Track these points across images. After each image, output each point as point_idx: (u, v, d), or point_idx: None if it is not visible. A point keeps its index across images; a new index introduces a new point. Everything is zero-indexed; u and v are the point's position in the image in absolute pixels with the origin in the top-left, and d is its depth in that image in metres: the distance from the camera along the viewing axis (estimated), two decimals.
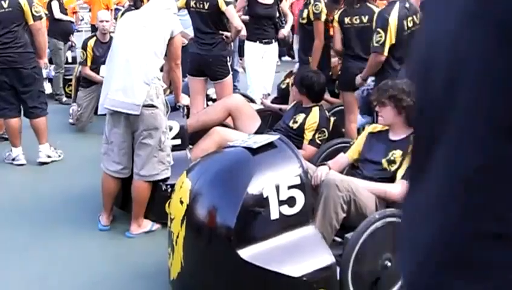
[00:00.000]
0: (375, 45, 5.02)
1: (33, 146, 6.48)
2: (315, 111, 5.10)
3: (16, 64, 6.18)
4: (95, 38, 7.88)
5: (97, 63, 7.67)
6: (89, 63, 7.69)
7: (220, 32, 5.69)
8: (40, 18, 6.25)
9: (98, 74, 7.64)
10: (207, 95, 6.09)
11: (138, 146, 4.46)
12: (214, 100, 6.22)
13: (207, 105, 6.09)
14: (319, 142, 5.00)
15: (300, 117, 5.10)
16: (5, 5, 6.10)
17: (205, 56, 5.68)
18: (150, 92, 4.37)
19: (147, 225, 4.65)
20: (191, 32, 6.07)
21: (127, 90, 4.35)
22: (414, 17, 5.07)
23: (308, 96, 5.18)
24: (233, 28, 5.68)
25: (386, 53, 5.00)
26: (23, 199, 5.46)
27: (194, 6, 5.66)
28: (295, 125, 5.10)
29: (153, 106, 4.38)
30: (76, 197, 5.41)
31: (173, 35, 4.55)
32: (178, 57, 4.69)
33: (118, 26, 4.98)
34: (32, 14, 6.15)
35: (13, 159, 6.47)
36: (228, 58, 6.09)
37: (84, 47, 7.82)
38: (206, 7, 5.58)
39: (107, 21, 7.86)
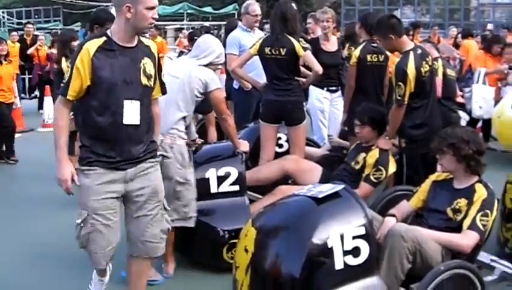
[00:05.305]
0: (398, 98, 4.93)
1: None
2: (375, 149, 5.04)
3: None
4: None
5: None
6: None
7: (296, 78, 5.73)
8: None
9: None
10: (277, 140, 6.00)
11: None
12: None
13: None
14: (374, 180, 4.89)
15: (361, 157, 5.05)
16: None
17: (283, 102, 5.70)
18: (164, 141, 4.39)
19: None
20: (256, 78, 6.12)
21: None
22: (427, 59, 5.07)
23: (380, 131, 5.13)
24: (314, 72, 5.69)
25: (406, 101, 4.93)
26: None
27: (269, 52, 5.65)
28: (357, 166, 5.04)
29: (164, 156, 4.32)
30: None
31: (208, 90, 4.59)
32: (222, 112, 4.73)
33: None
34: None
35: None
36: (304, 103, 6.13)
37: None
38: (283, 53, 5.60)
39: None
